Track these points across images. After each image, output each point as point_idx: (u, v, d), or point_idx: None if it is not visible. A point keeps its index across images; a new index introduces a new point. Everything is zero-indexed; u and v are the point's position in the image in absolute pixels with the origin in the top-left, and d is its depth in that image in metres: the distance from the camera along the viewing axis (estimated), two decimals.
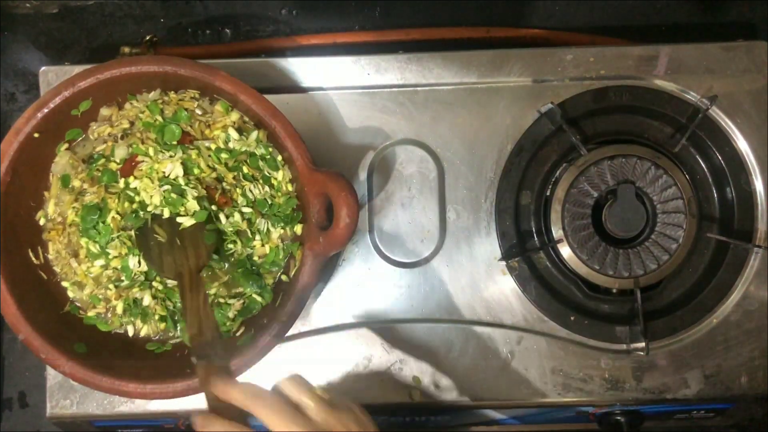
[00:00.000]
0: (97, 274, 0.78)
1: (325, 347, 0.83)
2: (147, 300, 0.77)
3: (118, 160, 0.78)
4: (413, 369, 0.83)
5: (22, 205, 0.77)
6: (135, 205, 0.76)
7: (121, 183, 0.77)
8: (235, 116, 0.79)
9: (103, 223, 0.77)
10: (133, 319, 0.78)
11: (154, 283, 0.78)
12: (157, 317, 0.78)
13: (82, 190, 0.78)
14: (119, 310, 0.78)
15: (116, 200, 0.77)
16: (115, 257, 0.77)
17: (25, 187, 0.76)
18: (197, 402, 0.78)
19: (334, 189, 0.72)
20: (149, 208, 0.76)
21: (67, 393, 0.83)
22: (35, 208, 0.78)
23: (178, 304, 0.78)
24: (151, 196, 0.76)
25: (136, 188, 0.76)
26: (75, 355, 0.74)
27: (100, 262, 0.77)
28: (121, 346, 0.78)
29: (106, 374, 0.73)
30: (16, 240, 0.76)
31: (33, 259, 0.78)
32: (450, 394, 0.83)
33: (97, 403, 0.83)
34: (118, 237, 0.77)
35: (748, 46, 0.86)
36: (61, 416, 0.83)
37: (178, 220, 0.76)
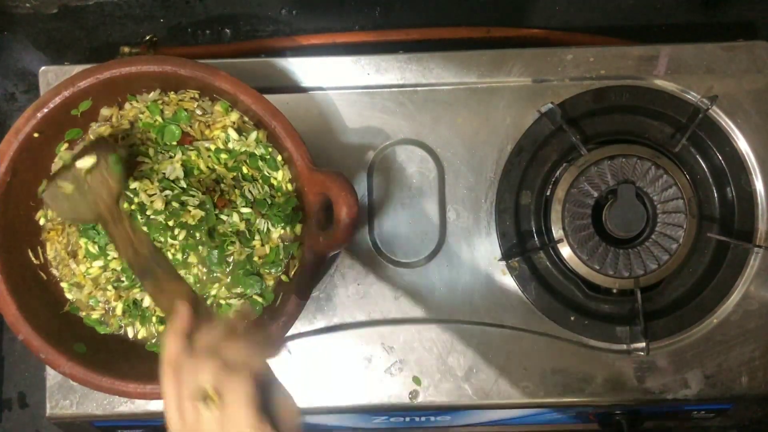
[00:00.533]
0: (96, 275, 0.78)
1: (325, 347, 0.83)
2: (147, 301, 0.77)
3: None
4: (413, 369, 0.83)
5: (22, 205, 0.77)
6: (134, 206, 0.76)
7: None
8: (234, 116, 0.79)
9: None
10: (132, 320, 0.78)
11: None
12: (155, 319, 0.78)
13: None
14: (118, 311, 0.78)
15: None
16: (114, 258, 0.77)
17: (25, 187, 0.76)
18: None
19: (334, 189, 0.72)
20: (148, 212, 0.76)
21: (67, 393, 0.82)
22: (35, 208, 0.78)
23: None
24: (152, 201, 0.76)
25: (135, 189, 0.76)
26: (75, 355, 0.74)
27: (99, 263, 0.77)
28: (121, 347, 0.78)
29: (106, 374, 0.73)
30: (16, 240, 0.76)
31: (33, 259, 0.78)
32: (450, 394, 0.83)
33: (97, 403, 0.82)
34: None
35: (749, 46, 0.85)
36: (61, 416, 0.83)
37: (77, 164, 0.72)
